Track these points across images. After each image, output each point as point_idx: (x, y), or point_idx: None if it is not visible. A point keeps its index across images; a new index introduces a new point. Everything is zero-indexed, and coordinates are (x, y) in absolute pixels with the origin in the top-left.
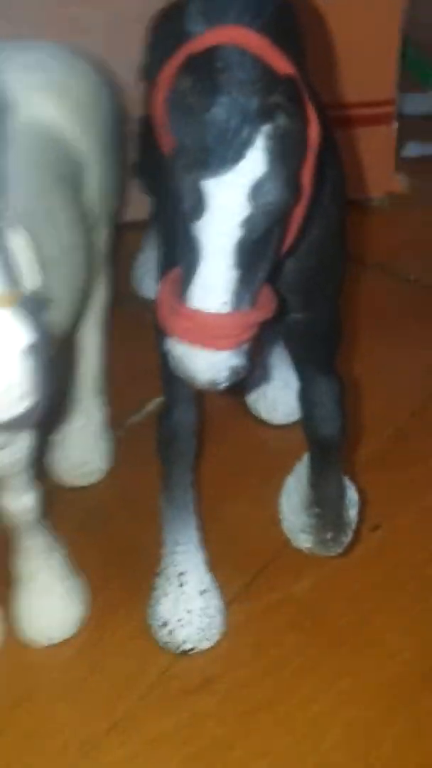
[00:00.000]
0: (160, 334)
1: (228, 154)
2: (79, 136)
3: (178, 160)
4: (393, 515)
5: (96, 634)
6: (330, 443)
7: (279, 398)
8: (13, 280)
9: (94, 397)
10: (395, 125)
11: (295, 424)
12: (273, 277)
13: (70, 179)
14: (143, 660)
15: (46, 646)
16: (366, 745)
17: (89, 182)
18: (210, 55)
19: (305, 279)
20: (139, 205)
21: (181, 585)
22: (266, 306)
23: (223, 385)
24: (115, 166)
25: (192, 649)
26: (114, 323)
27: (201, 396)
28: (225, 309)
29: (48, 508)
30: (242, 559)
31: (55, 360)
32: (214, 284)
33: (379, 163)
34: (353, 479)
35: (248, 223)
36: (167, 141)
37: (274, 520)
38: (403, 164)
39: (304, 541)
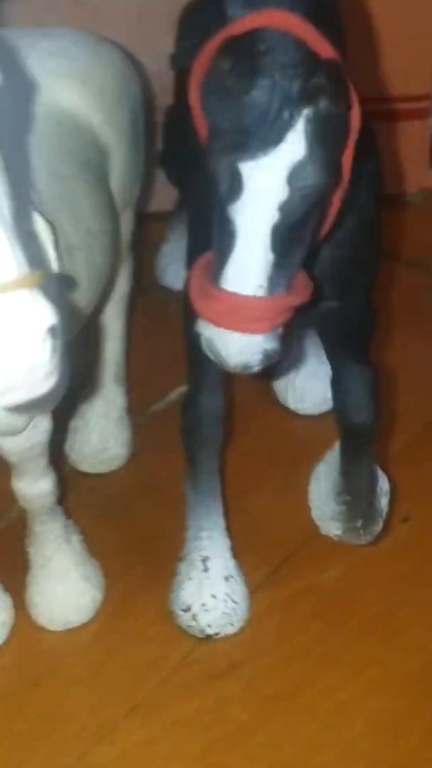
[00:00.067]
0: (189, 317)
1: (268, 137)
2: (103, 123)
3: (215, 143)
4: (423, 508)
5: (116, 619)
6: (362, 431)
7: (307, 388)
8: (35, 262)
9: (116, 384)
10: (430, 120)
11: (322, 414)
12: (308, 264)
13: (94, 166)
14: (165, 645)
15: (63, 631)
16: (392, 736)
17: (113, 170)
18: (251, 38)
19: (340, 268)
20: (164, 196)
21: (205, 570)
22: (301, 291)
23: (255, 368)
24: (139, 154)
25: (216, 634)
26: (137, 313)
27: (228, 382)
28: (260, 292)
29: (68, 494)
30: (267, 548)
31: (77, 345)
32: (250, 267)
33: (413, 159)
34: (384, 471)
35: (286, 206)
36: (201, 126)
37: (300, 510)
38: None
39: (334, 528)
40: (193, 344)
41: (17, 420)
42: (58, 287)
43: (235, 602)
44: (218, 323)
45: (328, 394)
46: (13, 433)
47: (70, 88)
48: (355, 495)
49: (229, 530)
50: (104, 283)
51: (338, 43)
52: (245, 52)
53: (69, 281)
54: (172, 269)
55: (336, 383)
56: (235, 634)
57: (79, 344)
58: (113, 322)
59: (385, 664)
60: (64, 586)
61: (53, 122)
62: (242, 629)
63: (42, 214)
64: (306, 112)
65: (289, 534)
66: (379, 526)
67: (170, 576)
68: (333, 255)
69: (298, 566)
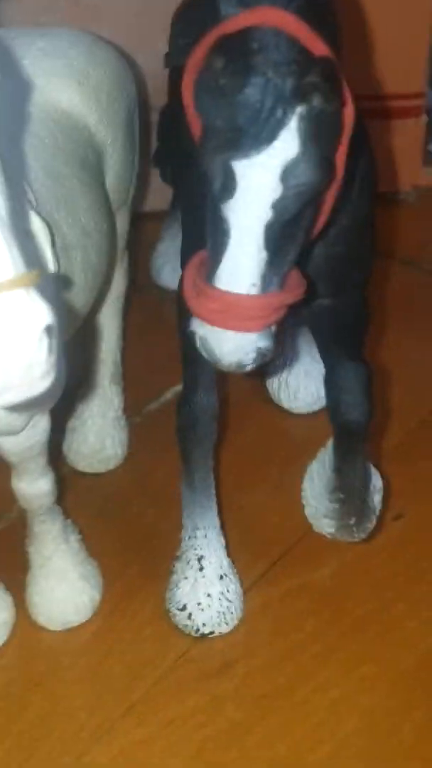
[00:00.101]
0: (183, 316)
1: (261, 135)
2: (98, 123)
3: (208, 142)
4: (416, 506)
5: (113, 619)
6: (355, 428)
7: (301, 387)
8: (31, 261)
9: (112, 383)
10: (424, 118)
11: (316, 413)
12: (302, 262)
13: (90, 166)
14: (161, 644)
15: (62, 631)
16: (386, 733)
17: (108, 169)
18: (244, 36)
19: (333, 265)
20: (159, 196)
21: (200, 569)
22: (294, 289)
23: (249, 367)
24: (134, 153)
25: (211, 633)
26: (133, 313)
27: (222, 381)
28: (253, 290)
29: (66, 494)
30: (261, 546)
31: (74, 345)
32: (243, 265)
33: (407, 157)
34: (378, 469)
35: (279, 204)
36: (195, 124)
37: (295, 507)
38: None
39: (327, 526)
40: (187, 343)
41: (16, 419)
42: (55, 287)
43: (230, 601)
44: (212, 322)
45: (322, 392)
46: (12, 432)
47: (67, 88)
48: (349, 493)
49: (226, 527)
50: (100, 283)
51: (332, 41)
52: (238, 51)
53: (65, 281)
54: (168, 269)
55: (329, 381)
56: (230, 633)
57: (75, 344)
58: (109, 322)
59: (379, 661)
60: (63, 585)
61: (49, 122)
62: (237, 628)
63: (38, 214)
64: (299, 110)
65: (283, 532)
66: (372, 524)
67: (166, 575)
68: (327, 253)
69: (292, 564)
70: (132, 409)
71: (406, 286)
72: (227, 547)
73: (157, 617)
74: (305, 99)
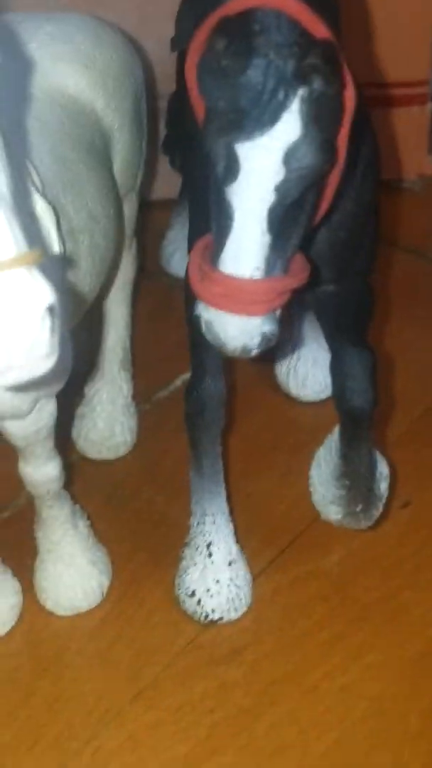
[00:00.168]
0: (189, 301)
1: (263, 117)
2: (105, 107)
3: (211, 124)
4: (423, 493)
5: (122, 605)
6: (361, 415)
7: (309, 375)
8: (35, 242)
9: (122, 370)
10: (429, 106)
11: (324, 400)
12: (306, 247)
13: (97, 150)
14: (170, 630)
15: (71, 616)
16: (392, 720)
17: (116, 154)
18: (245, 17)
19: (337, 251)
20: (168, 184)
21: (209, 555)
22: (299, 273)
23: (254, 351)
24: (141, 138)
25: (220, 619)
26: (142, 300)
27: (229, 368)
28: (257, 274)
29: (75, 480)
30: (269, 533)
31: (82, 331)
32: (247, 249)
33: (412, 145)
34: (384, 456)
35: (282, 187)
36: (198, 107)
37: (303, 495)
38: None
39: (334, 513)
40: (193, 328)
41: (22, 403)
42: (59, 269)
43: (239, 587)
44: (216, 306)
45: (330, 380)
46: (18, 416)
47: (73, 72)
48: (355, 479)
49: (232, 515)
50: (107, 268)
51: (333, 25)
52: (240, 32)
53: (71, 264)
54: (178, 256)
55: (334, 367)
56: (239, 620)
57: (84, 330)
58: (118, 309)
59: (386, 648)
60: (72, 571)
61: (56, 106)
62: (245, 614)
63: (45, 197)
64: (301, 92)
65: (290, 519)
66: (378, 511)
67: (175, 561)
68: (330, 238)
69: (300, 551)
70: (141, 396)
71: (410, 274)
72: (236, 533)
73: (166, 603)
74: (306, 81)
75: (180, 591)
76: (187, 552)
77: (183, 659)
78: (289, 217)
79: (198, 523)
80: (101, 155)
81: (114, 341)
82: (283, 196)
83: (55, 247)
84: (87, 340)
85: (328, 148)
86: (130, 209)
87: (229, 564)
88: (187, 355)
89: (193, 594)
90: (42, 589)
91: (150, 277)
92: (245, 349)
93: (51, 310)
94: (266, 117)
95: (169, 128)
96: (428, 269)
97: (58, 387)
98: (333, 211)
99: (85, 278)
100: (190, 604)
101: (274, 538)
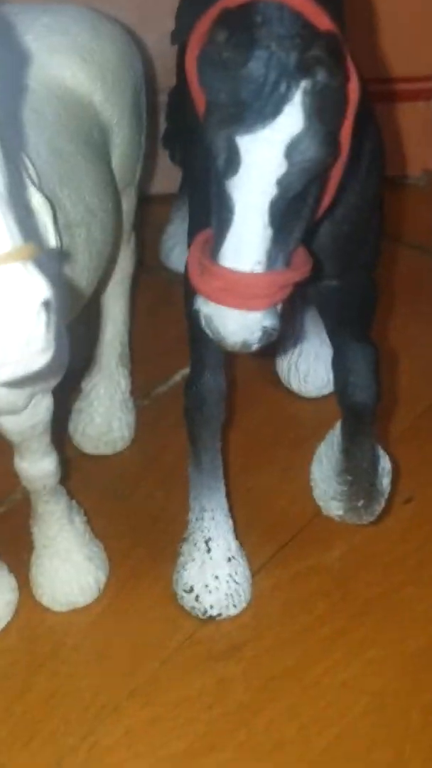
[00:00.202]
0: (189, 295)
1: (265, 110)
2: (104, 100)
3: (212, 116)
4: (426, 489)
5: (119, 601)
6: (363, 410)
7: (311, 371)
8: (31, 237)
9: (120, 365)
10: None
11: (326, 396)
12: (308, 241)
13: (95, 144)
14: (168, 626)
15: (67, 612)
16: (393, 716)
17: (114, 148)
18: (247, 9)
19: (340, 245)
20: (168, 178)
21: (208, 551)
22: (300, 267)
23: (255, 346)
24: (141, 132)
25: (218, 615)
26: (141, 295)
27: (230, 363)
28: (258, 268)
29: (72, 476)
30: (270, 528)
31: (80, 326)
32: (248, 243)
33: (416, 140)
34: (386, 452)
35: (284, 180)
36: (199, 100)
37: (304, 490)
38: None
39: (335, 508)
40: (193, 323)
41: (18, 398)
42: (55, 263)
43: (238, 583)
44: (216, 300)
45: (332, 376)
46: (14, 411)
47: (71, 65)
48: (357, 475)
49: (232, 511)
50: (105, 262)
51: (337, 17)
52: (241, 24)
53: (68, 258)
54: (177, 251)
55: (337, 363)
56: (238, 615)
57: (81, 325)
58: (116, 303)
59: (388, 643)
60: (68, 566)
61: (53, 98)
62: (245, 610)
63: (41, 190)
64: (303, 84)
65: (291, 515)
66: (380, 506)
67: (173, 557)
68: (334, 232)
69: (301, 547)
70: (140, 391)
71: (414, 270)
72: (235, 529)
73: (164, 599)
74: (309, 73)
75: (178, 587)
76: (186, 548)
77: (181, 655)
78: (291, 211)
79: (197, 519)
80: (99, 148)
81: (112, 336)
82: (285, 189)
83: (52, 241)
84: (84, 334)
85: (331, 141)
86: (128, 203)
87: (228, 560)
88: (186, 350)
89: (191, 590)
90: (38, 585)
91: (149, 272)
92: (245, 344)
93: (47, 304)
94: (268, 109)
95: (169, 122)
96: None
97: (54, 382)
98: (336, 204)
99: (82, 273)
100: (188, 600)
101: (274, 533)
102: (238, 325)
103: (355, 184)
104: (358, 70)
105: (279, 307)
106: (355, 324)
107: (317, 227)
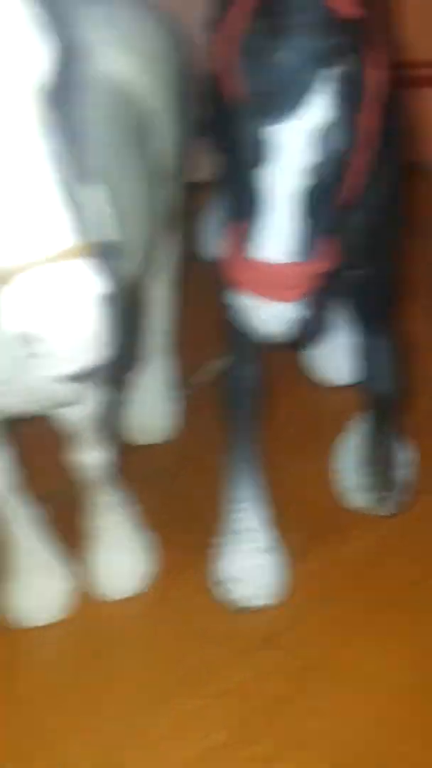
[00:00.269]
0: (223, 286)
1: (293, 100)
2: (148, 91)
3: (242, 107)
4: None
5: (161, 591)
6: (385, 401)
7: (337, 361)
8: (87, 231)
9: (163, 355)
10: None
11: (351, 388)
12: (336, 230)
13: (141, 134)
14: (208, 616)
15: (117, 601)
16: (422, 705)
17: (158, 137)
18: None
19: (366, 235)
20: (208, 166)
21: (245, 542)
22: (330, 257)
23: (288, 336)
24: (184, 121)
25: (254, 606)
26: (183, 285)
27: (263, 353)
28: (289, 258)
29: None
30: (300, 519)
31: (124, 316)
32: (279, 234)
33: None
34: (410, 442)
35: (313, 170)
36: (230, 89)
37: (332, 481)
38: None
39: (359, 499)
40: (228, 314)
41: (72, 391)
42: (109, 257)
43: (272, 574)
44: (250, 291)
45: (357, 366)
46: (69, 404)
47: (116, 56)
48: (382, 465)
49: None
50: (148, 253)
51: (367, 4)
52: (271, 14)
53: (117, 251)
54: (216, 239)
55: (361, 353)
56: (271, 606)
57: (126, 315)
58: (160, 293)
59: (415, 634)
60: (121, 556)
61: (103, 90)
62: (279, 599)
63: (93, 183)
64: (331, 73)
65: (322, 503)
66: (406, 497)
67: (211, 548)
68: (361, 221)
69: (330, 538)
70: (182, 381)
71: None
72: (271, 520)
73: (202, 588)
74: (337, 62)
75: (216, 578)
76: (223, 539)
77: (221, 646)
78: (320, 201)
79: (234, 510)
80: (144, 139)
81: (155, 326)
82: (315, 178)
83: (108, 235)
84: (129, 325)
85: (358, 129)
86: (172, 193)
87: (264, 550)
88: (222, 341)
89: (228, 581)
90: (92, 574)
91: (190, 261)
92: (278, 334)
93: (104, 300)
94: (297, 98)
95: (208, 111)
96: None
97: (106, 374)
98: (363, 195)
99: (125, 264)
100: (225, 591)
101: (303, 524)
102: (271, 315)
103: (381, 175)
104: (387, 57)
105: (310, 297)
106: (380, 314)
107: (345, 217)
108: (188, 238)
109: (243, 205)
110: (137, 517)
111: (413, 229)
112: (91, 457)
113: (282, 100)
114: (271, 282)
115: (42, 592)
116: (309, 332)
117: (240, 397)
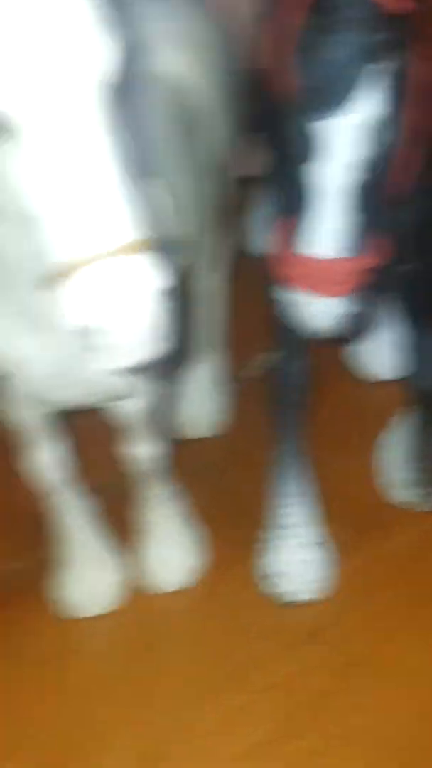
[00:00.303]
0: (272, 282)
1: (343, 94)
2: (200, 86)
3: (292, 101)
4: None
5: (209, 586)
6: (430, 396)
7: (383, 356)
8: (147, 226)
9: (214, 350)
10: None
11: (396, 384)
12: (385, 226)
13: (192, 129)
14: (254, 611)
15: (166, 595)
16: None
17: (209, 132)
18: None
19: (417, 230)
20: (257, 162)
21: (292, 537)
22: (379, 252)
23: (336, 331)
24: (232, 117)
25: (301, 601)
26: (232, 279)
27: (311, 348)
28: (339, 254)
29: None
30: (344, 515)
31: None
32: (328, 229)
33: None
34: None
35: (362, 165)
36: (280, 84)
37: (377, 477)
38: None
39: (403, 495)
40: (276, 309)
41: (128, 384)
42: (167, 252)
43: (319, 569)
44: (298, 286)
45: (403, 361)
46: (124, 397)
47: (170, 52)
48: (426, 461)
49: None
50: (198, 247)
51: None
52: (322, 10)
53: (176, 245)
54: (265, 233)
55: (408, 348)
56: (317, 601)
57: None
58: (211, 289)
59: None
60: (170, 549)
61: (159, 86)
62: (325, 595)
63: (152, 178)
64: (380, 68)
65: (368, 499)
66: None
67: (259, 541)
68: (410, 217)
69: (373, 533)
70: (230, 375)
71: None
72: (318, 515)
73: (249, 583)
74: (384, 57)
75: (263, 572)
76: (270, 534)
77: (268, 640)
78: (368, 195)
79: (282, 505)
80: (196, 133)
81: (207, 320)
82: (363, 173)
83: (167, 229)
84: (181, 320)
85: (407, 123)
86: (221, 187)
87: (312, 546)
88: (271, 336)
89: (275, 575)
90: (142, 567)
91: (240, 256)
92: (327, 330)
93: (164, 294)
94: (347, 93)
95: (257, 105)
96: None
97: (161, 368)
98: (412, 188)
99: (178, 258)
100: (272, 585)
101: (347, 520)
102: (319, 310)
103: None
104: None
105: (359, 292)
106: (429, 310)
107: (396, 211)
108: (238, 233)
109: (292, 201)
110: (187, 511)
111: None
112: (143, 451)
113: (331, 96)
114: (320, 277)
115: (93, 584)
116: (357, 327)
117: (288, 392)
